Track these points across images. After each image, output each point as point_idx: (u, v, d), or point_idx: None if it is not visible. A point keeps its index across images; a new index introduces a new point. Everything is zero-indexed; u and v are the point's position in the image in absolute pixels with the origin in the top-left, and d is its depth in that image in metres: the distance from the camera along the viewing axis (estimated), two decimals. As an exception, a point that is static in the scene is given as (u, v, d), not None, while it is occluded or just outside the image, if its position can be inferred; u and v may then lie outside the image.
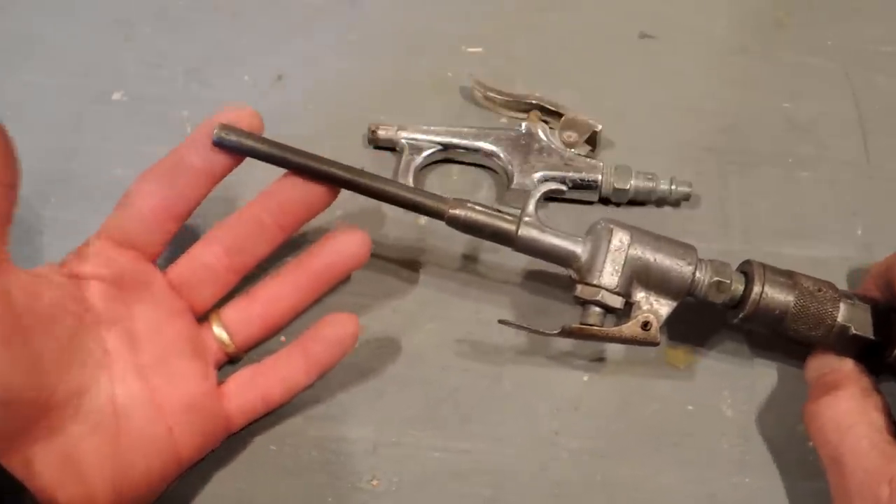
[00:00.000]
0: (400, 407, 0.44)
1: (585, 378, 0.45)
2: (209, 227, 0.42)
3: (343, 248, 0.42)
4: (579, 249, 0.41)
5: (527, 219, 0.41)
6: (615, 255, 0.40)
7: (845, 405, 0.38)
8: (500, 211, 0.41)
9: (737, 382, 0.45)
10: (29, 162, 0.51)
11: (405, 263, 0.48)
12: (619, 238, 0.40)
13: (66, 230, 0.49)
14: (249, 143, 0.39)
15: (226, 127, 0.38)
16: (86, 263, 0.38)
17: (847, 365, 0.41)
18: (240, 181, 0.42)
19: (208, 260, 0.41)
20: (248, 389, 0.41)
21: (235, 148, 0.39)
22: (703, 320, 0.45)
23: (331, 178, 0.40)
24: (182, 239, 0.42)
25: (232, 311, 0.42)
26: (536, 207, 0.41)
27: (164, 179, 0.39)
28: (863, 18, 0.57)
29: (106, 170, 0.51)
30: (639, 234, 0.41)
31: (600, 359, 0.45)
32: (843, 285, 0.47)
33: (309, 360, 0.41)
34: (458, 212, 0.40)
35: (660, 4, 0.58)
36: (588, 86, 0.54)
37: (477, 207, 0.41)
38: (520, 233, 0.41)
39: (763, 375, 0.45)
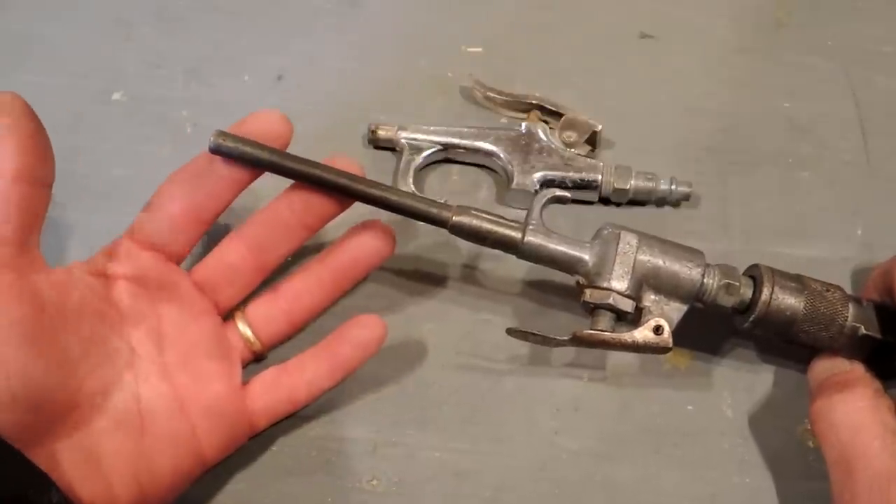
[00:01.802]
0: (400, 407, 0.44)
1: (585, 378, 0.45)
2: (227, 225, 0.42)
3: (367, 242, 0.41)
4: (586, 255, 0.40)
5: (532, 225, 0.40)
6: (624, 258, 0.40)
7: (858, 404, 0.38)
8: (504, 218, 0.41)
9: (737, 383, 0.45)
10: (29, 162, 0.51)
11: (404, 264, 0.48)
12: (627, 241, 0.40)
13: (65, 230, 0.49)
14: (247, 149, 0.38)
15: (223, 133, 0.38)
16: (113, 262, 0.39)
17: (858, 367, 0.41)
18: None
19: (233, 259, 0.41)
20: (273, 390, 0.41)
21: (232, 155, 0.38)
22: (704, 322, 0.45)
23: (330, 186, 0.39)
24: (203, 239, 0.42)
25: (256, 309, 0.42)
26: (541, 213, 0.41)
27: (192, 183, 0.39)
28: (863, 18, 0.57)
29: (106, 170, 0.51)
30: (646, 237, 0.41)
31: (601, 359, 0.45)
32: (843, 285, 0.47)
33: (334, 362, 0.41)
34: (462, 219, 0.40)
35: (660, 4, 0.58)
36: (588, 86, 0.54)
37: (481, 214, 0.40)
38: (526, 239, 0.40)
39: (763, 376, 0.45)
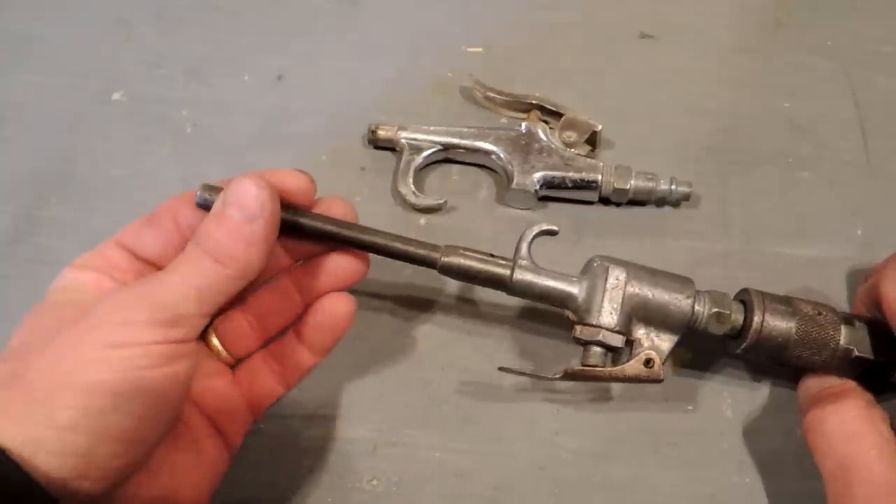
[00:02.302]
0: (400, 407, 0.44)
1: (585, 378, 0.45)
2: None
3: (341, 262, 0.41)
4: (575, 290, 0.40)
5: (521, 262, 0.40)
6: (613, 294, 0.40)
7: (853, 413, 0.38)
8: (492, 255, 0.41)
9: (737, 383, 0.45)
10: (29, 162, 0.51)
11: (406, 267, 0.48)
12: (616, 276, 0.40)
13: (66, 230, 0.49)
14: None
15: (209, 188, 0.38)
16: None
17: (849, 382, 0.40)
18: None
19: None
20: (262, 375, 0.41)
21: None
22: (693, 335, 0.45)
23: (319, 234, 0.39)
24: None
25: (225, 323, 0.41)
26: (529, 249, 0.41)
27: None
28: (863, 18, 0.57)
29: (106, 170, 0.51)
30: (635, 269, 0.40)
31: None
32: (843, 285, 0.47)
33: (313, 346, 0.40)
34: (450, 260, 0.40)
35: (660, 4, 0.58)
36: (588, 86, 0.54)
37: (469, 254, 0.40)
38: (515, 277, 0.40)
39: (763, 376, 0.45)
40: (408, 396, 0.44)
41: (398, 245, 0.40)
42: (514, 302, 0.47)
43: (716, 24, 0.57)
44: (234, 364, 0.42)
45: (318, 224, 0.39)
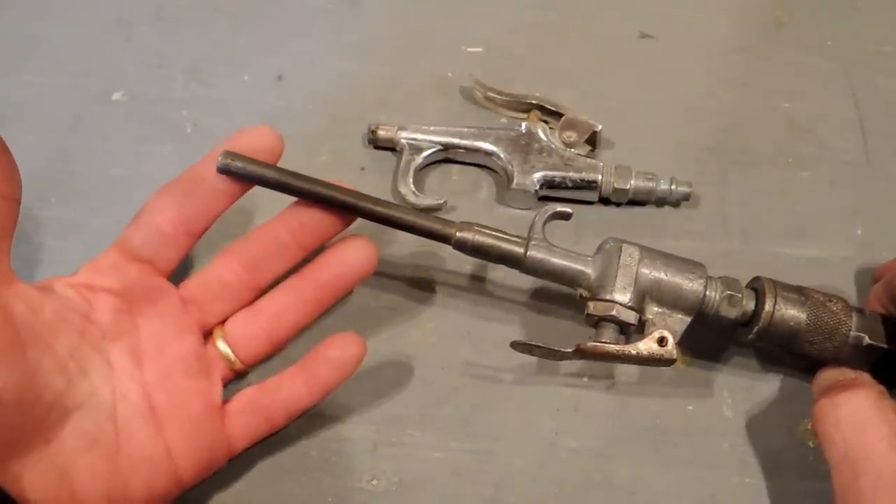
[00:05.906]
0: (400, 407, 0.44)
1: (585, 378, 0.45)
2: (221, 241, 0.42)
3: (350, 258, 0.41)
4: (589, 268, 0.41)
5: (535, 240, 0.41)
6: (626, 270, 0.40)
7: (864, 402, 0.37)
8: (506, 233, 0.41)
9: (737, 383, 0.45)
10: (29, 162, 0.51)
11: (407, 266, 0.48)
12: (629, 254, 0.40)
13: (65, 230, 0.49)
14: (255, 169, 0.39)
15: (230, 154, 0.38)
16: (98, 275, 0.38)
17: (863, 374, 0.40)
18: (253, 194, 0.42)
19: (225, 276, 0.41)
20: (250, 411, 0.40)
21: (241, 174, 0.39)
22: (705, 322, 0.45)
23: (337, 204, 0.39)
24: (196, 253, 0.42)
25: (236, 326, 0.41)
26: (543, 228, 0.41)
27: (181, 195, 0.39)
28: (863, 18, 0.57)
29: (106, 170, 0.51)
30: (648, 250, 0.41)
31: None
32: (843, 285, 0.47)
33: (312, 383, 0.40)
34: (465, 235, 0.40)
35: (660, 4, 0.58)
36: (588, 86, 0.54)
37: (484, 230, 0.41)
38: (529, 254, 0.40)
39: (763, 376, 0.45)
40: (408, 396, 0.44)
41: (413, 218, 0.40)
42: (517, 301, 0.47)
43: (716, 24, 0.57)
44: (243, 374, 0.42)
45: (338, 195, 0.39)
